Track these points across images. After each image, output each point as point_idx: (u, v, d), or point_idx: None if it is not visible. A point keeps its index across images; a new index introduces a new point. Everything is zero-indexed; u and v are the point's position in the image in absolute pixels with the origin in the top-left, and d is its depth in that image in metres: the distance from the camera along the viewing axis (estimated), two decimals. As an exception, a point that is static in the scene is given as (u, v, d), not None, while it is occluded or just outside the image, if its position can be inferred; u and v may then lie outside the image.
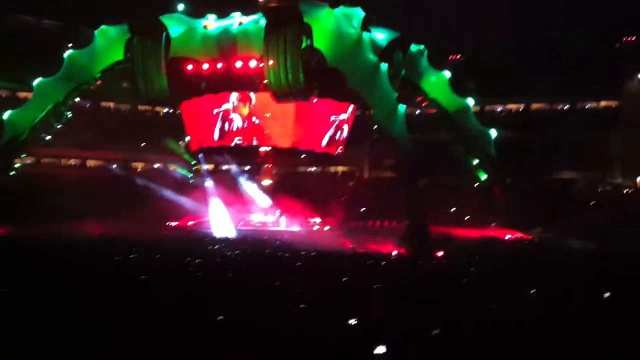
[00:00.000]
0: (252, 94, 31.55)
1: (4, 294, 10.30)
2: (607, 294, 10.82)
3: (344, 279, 13.41)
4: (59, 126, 31.84)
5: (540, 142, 45.72)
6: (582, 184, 43.40)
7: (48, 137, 32.12)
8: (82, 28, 42.18)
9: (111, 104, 48.12)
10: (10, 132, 30.98)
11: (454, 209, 34.62)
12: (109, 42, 30.81)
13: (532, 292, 11.99)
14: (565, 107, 47.88)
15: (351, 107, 32.96)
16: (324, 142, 32.73)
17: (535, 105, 49.06)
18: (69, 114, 31.80)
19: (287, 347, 7.57)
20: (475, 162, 32.69)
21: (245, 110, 31.88)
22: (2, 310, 9.10)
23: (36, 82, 31.52)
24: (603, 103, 47.39)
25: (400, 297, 11.20)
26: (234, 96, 31.69)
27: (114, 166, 44.89)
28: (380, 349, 6.87)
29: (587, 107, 47.49)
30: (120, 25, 30.67)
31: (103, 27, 31.00)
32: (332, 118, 32.56)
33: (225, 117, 32.14)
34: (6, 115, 31.18)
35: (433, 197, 28.63)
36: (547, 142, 46.09)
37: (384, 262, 18.58)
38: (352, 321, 8.43)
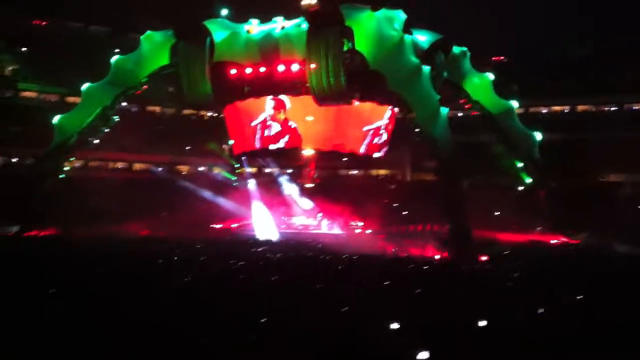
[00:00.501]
0: (287, 100, 31.58)
1: (52, 295, 10.66)
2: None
3: (385, 283, 13.43)
4: (106, 130, 32.50)
5: (586, 144, 44.83)
6: (629, 187, 42.37)
7: (95, 141, 32.82)
8: (129, 34, 43.26)
9: (157, 108, 48.92)
10: (60, 136, 31.84)
11: (498, 212, 34.14)
12: (155, 47, 31.38)
13: (578, 298, 11.84)
14: (612, 109, 46.75)
15: (392, 109, 32.80)
16: (365, 145, 32.61)
17: (580, 107, 48.08)
18: (116, 118, 32.46)
19: (328, 350, 7.64)
20: (519, 165, 32.21)
21: (282, 116, 32.01)
22: (51, 310, 9.39)
23: (84, 87, 32.30)
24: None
25: (442, 302, 11.16)
26: (270, 102, 31.81)
27: (159, 169, 45.67)
28: (423, 355, 6.88)
29: (634, 108, 46.30)
30: (165, 31, 31.23)
31: (149, 32, 31.60)
32: (373, 121, 32.40)
33: (265, 121, 32.30)
34: (56, 119, 32.05)
35: (476, 201, 28.25)
36: (593, 144, 45.16)
37: (426, 267, 18.52)
38: (394, 325, 8.45)
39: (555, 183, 33.94)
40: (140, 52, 31.85)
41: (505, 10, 46.53)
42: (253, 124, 32.52)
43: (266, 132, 32.47)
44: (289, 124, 32.01)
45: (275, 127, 32.23)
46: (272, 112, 32.00)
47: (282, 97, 31.54)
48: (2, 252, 20.58)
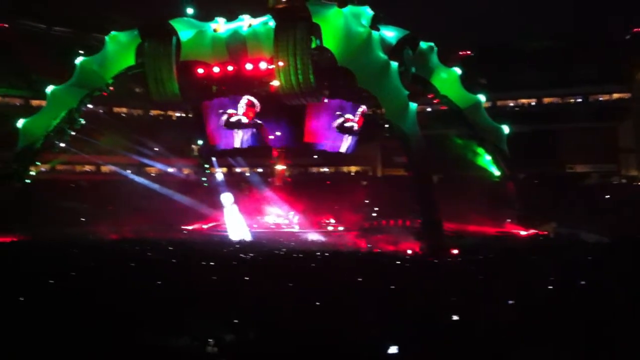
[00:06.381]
0: (255, 101, 31.38)
1: (20, 302, 10.43)
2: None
3: (359, 279, 13.43)
4: (72, 132, 31.95)
5: (553, 136, 45.57)
6: (596, 177, 43.12)
7: (62, 144, 32.23)
8: (93, 35, 42.60)
9: (124, 109, 48.29)
10: (25, 139, 31.16)
11: (468, 205, 34.49)
12: (120, 47, 31.02)
13: (548, 287, 11.97)
14: (578, 100, 47.44)
15: (361, 107, 32.76)
16: (334, 141, 32.49)
17: (547, 99, 48.69)
18: (82, 120, 31.93)
19: (302, 346, 7.61)
20: (488, 158, 32.56)
21: (251, 114, 31.80)
22: (20, 318, 9.19)
23: (49, 89, 31.71)
24: (615, 95, 46.79)
25: (414, 296, 11.19)
26: (242, 100, 31.56)
27: (128, 171, 45.01)
28: (393, 349, 6.88)
29: (599, 99, 47.00)
30: (130, 31, 30.87)
31: (113, 33, 31.20)
32: (342, 117, 32.27)
33: (236, 120, 31.99)
34: (20, 123, 31.39)
35: (446, 195, 28.47)
36: (560, 136, 45.93)
37: (398, 262, 18.58)
38: (366, 320, 8.45)
39: (523, 175, 34.39)
40: (105, 53, 31.41)
41: (471, 4, 46.86)
42: (225, 115, 32.15)
43: (237, 129, 32.07)
44: (258, 122, 31.83)
45: (247, 124, 31.94)
46: (244, 108, 31.75)
47: (251, 98, 31.36)
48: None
